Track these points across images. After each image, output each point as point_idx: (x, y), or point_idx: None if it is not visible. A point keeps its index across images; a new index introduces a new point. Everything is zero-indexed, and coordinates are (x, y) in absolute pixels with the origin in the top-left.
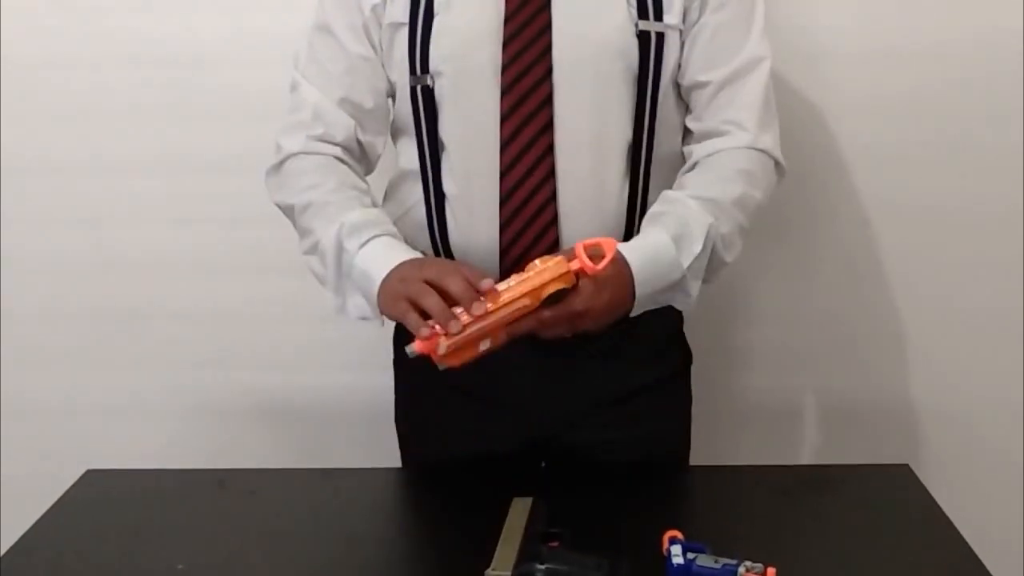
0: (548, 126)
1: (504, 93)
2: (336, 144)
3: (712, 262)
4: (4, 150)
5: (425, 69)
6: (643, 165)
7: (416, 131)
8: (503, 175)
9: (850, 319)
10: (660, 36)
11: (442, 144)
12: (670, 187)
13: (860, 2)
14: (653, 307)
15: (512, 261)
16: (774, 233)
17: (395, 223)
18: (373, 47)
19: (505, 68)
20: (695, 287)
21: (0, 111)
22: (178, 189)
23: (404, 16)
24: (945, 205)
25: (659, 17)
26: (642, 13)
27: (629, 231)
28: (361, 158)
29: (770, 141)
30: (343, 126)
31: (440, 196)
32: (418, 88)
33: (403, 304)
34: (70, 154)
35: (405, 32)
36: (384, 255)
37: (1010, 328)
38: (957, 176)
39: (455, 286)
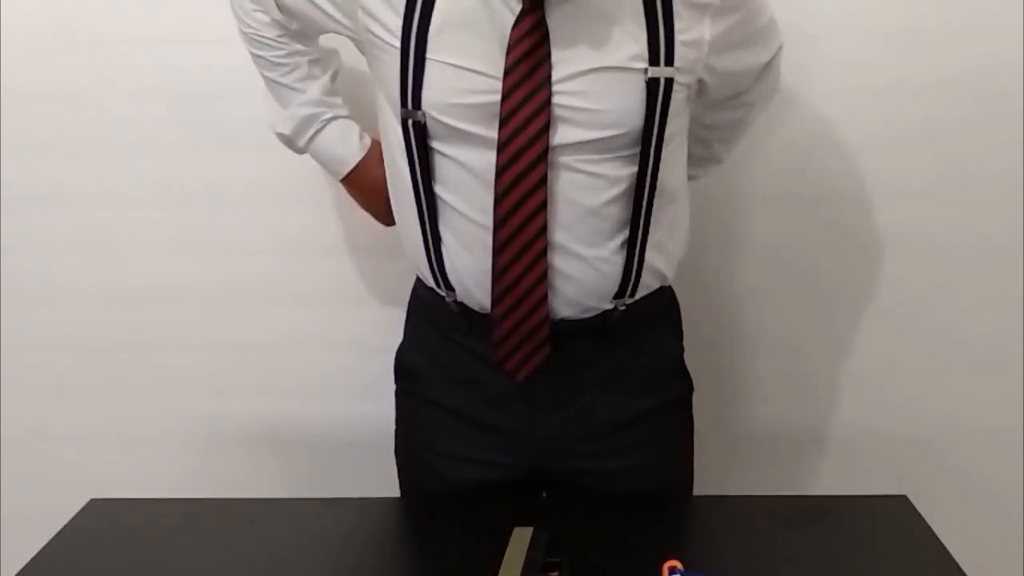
0: (542, 181)
1: (500, 149)
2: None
3: None
4: (9, 181)
5: (417, 105)
6: (644, 208)
7: (408, 160)
8: (496, 228)
9: (851, 349)
10: (669, 82)
11: (435, 179)
12: (670, 225)
13: (864, 39)
14: None
15: (505, 350)
16: (776, 262)
17: (404, 247)
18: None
19: (503, 123)
20: None
21: (1, 142)
22: (186, 220)
23: (395, 41)
24: (946, 238)
25: (670, 62)
26: (653, 59)
27: (626, 278)
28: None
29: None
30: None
31: (436, 231)
32: (409, 121)
33: None
34: (76, 185)
35: (397, 58)
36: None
37: (1010, 360)
38: (959, 209)
39: None
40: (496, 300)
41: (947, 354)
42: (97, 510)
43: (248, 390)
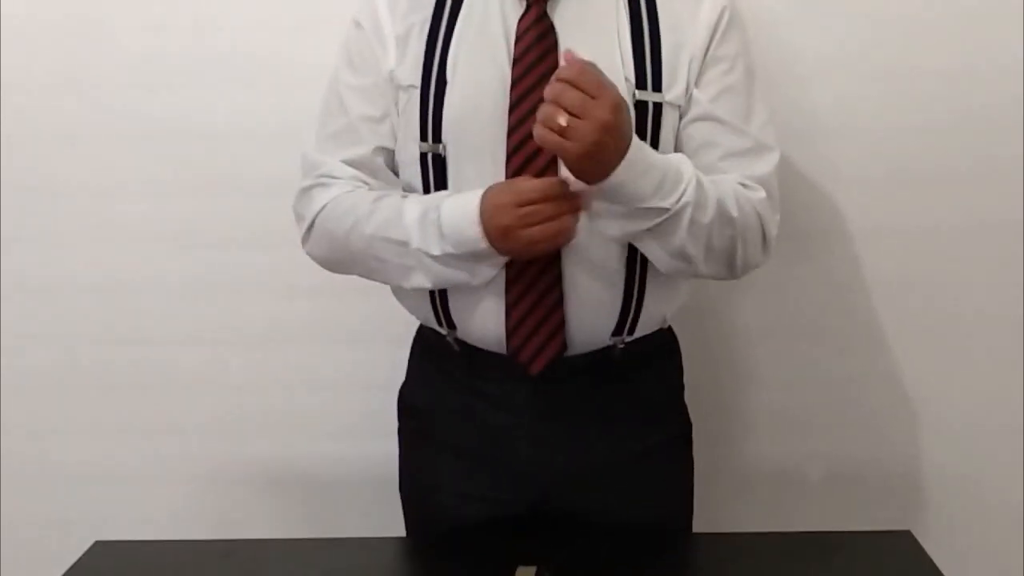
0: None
1: (509, 158)
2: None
3: (675, 224)
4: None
5: (437, 138)
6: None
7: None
8: None
9: (851, 385)
10: (657, 107)
11: None
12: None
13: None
14: (614, 202)
15: (518, 339)
16: (774, 297)
17: (398, 289)
18: (382, 108)
19: (511, 133)
20: (641, 223)
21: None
22: (188, 260)
23: (416, 79)
24: (948, 279)
25: (657, 89)
26: (640, 84)
27: (628, 294)
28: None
29: (771, 219)
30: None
31: None
32: (428, 155)
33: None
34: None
35: (417, 96)
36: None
37: (1011, 394)
38: (962, 249)
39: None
40: (509, 283)
41: (950, 391)
42: (102, 552)
43: (253, 429)
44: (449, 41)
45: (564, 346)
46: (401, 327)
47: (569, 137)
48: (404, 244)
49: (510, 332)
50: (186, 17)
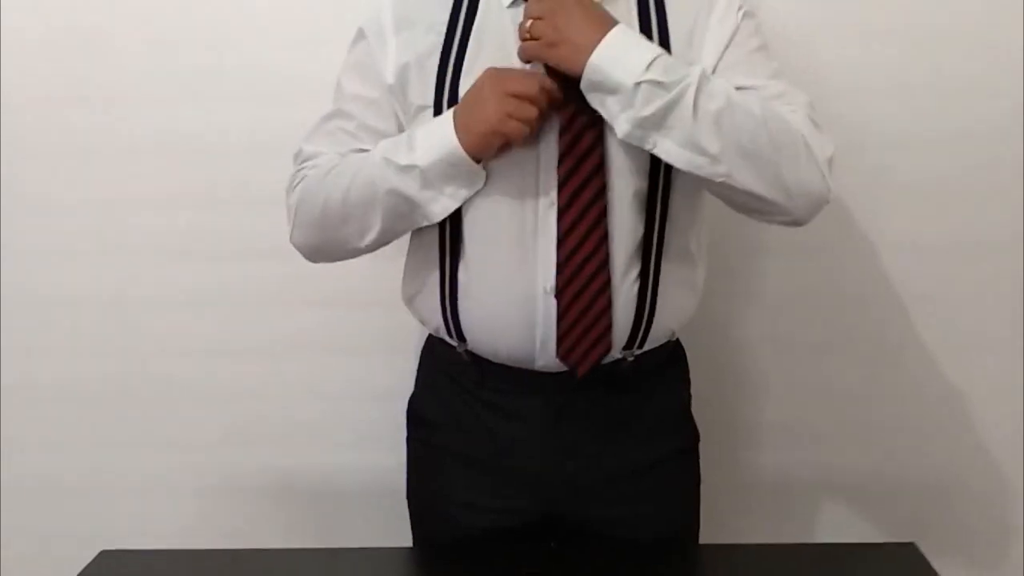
0: (600, 165)
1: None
2: None
3: (679, 109)
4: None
5: None
6: (653, 261)
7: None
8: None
9: (857, 397)
10: None
11: (463, 228)
12: (680, 284)
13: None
14: (598, 90)
15: (568, 342)
16: (780, 309)
17: (411, 301)
18: (384, 120)
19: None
20: (642, 107)
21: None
22: (199, 272)
23: (429, 99)
24: (953, 291)
25: None
26: None
27: (640, 309)
28: None
29: (815, 137)
30: None
31: (454, 282)
32: None
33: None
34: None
35: (430, 116)
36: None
37: (1014, 406)
38: (967, 262)
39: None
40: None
41: (955, 402)
42: (108, 561)
43: (259, 440)
44: (462, 59)
45: (609, 348)
46: (408, 337)
47: (536, 33)
48: (372, 166)
49: (560, 336)
50: (190, 31)
